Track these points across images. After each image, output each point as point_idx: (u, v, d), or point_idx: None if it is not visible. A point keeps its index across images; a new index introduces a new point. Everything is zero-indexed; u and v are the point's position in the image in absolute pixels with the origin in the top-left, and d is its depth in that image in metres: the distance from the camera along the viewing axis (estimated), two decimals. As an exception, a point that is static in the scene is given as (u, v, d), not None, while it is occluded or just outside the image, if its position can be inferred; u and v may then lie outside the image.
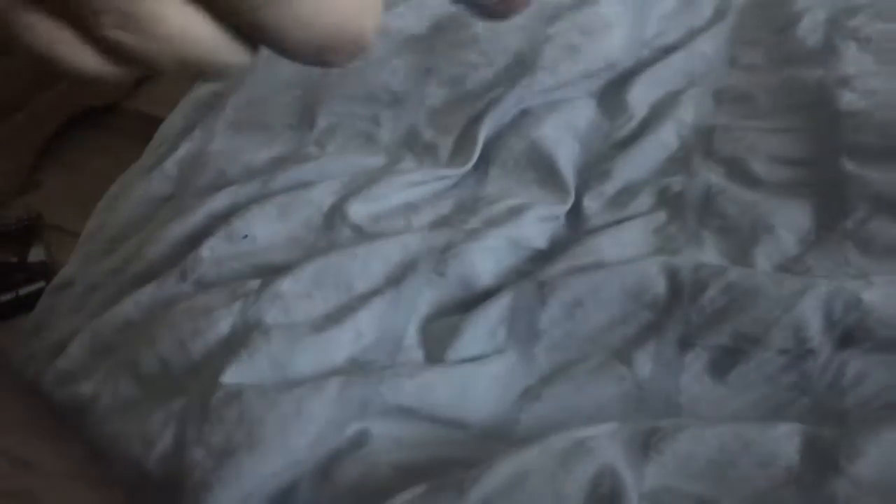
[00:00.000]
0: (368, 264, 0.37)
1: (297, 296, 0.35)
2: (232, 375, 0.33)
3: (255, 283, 0.36)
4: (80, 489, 0.33)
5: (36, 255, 1.02)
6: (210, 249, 0.37)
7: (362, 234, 0.40)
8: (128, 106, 1.25)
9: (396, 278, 0.37)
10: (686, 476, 0.29)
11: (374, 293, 0.37)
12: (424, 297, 0.36)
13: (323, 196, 0.41)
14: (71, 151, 1.20)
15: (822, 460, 0.28)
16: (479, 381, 0.34)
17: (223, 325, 0.34)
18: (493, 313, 0.35)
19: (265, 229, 0.39)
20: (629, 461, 0.30)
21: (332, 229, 0.40)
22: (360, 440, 0.32)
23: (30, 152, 1.15)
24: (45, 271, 1.00)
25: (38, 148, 1.17)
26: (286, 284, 0.36)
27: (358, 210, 0.41)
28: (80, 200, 0.62)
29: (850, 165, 0.40)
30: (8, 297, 0.98)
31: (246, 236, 0.37)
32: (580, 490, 0.29)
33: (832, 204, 0.39)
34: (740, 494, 0.29)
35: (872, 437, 0.28)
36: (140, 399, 0.34)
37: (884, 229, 0.37)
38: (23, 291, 0.97)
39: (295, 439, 0.31)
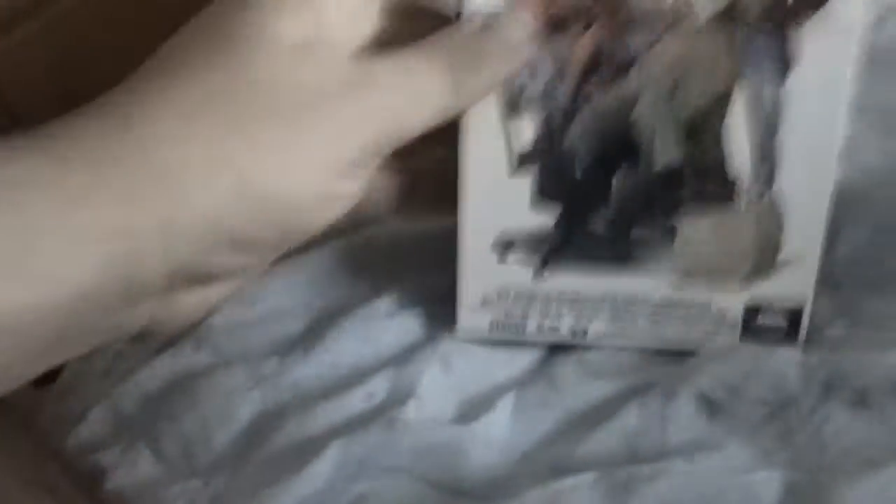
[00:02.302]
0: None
1: (312, 378, 0.37)
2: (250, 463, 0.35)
3: (273, 365, 0.38)
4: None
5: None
6: (222, 316, 0.38)
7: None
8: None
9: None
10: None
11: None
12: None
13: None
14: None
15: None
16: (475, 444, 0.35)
17: (244, 412, 0.36)
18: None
19: (276, 294, 0.40)
20: None
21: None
22: (364, 499, 0.33)
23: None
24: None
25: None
26: (301, 371, 0.37)
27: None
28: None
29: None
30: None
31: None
32: None
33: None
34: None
35: (849, 485, 0.30)
36: (159, 478, 0.35)
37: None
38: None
39: (294, 501, 0.33)
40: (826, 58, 0.33)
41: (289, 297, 0.41)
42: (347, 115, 0.28)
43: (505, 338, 0.39)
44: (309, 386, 0.37)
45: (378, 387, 0.37)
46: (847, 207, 0.37)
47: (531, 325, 0.38)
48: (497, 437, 0.35)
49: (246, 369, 0.38)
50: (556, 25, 0.34)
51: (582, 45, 0.34)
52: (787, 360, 0.36)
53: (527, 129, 0.35)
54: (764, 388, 0.34)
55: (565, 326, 0.38)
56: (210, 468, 0.35)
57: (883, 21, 0.45)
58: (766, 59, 0.34)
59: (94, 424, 0.37)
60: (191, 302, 0.30)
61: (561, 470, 0.32)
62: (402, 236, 0.43)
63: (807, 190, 0.35)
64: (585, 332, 0.38)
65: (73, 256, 0.25)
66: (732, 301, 0.37)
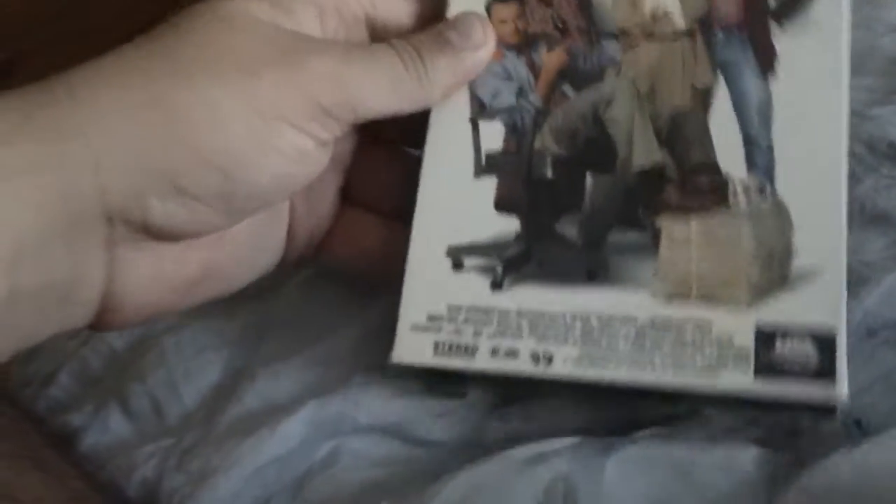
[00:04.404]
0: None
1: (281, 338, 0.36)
2: (224, 422, 0.34)
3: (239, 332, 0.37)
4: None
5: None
6: None
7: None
8: None
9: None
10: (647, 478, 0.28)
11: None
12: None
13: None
14: None
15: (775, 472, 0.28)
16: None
17: (212, 371, 0.35)
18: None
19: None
20: (587, 466, 0.29)
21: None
22: (331, 459, 0.32)
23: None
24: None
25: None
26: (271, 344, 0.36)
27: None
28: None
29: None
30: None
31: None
32: (532, 500, 0.29)
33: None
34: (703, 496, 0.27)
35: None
36: (130, 436, 0.35)
37: None
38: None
39: (267, 459, 0.32)
40: (814, 57, 0.31)
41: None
42: (291, 75, 0.29)
43: (451, 365, 0.31)
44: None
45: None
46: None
47: (484, 349, 0.31)
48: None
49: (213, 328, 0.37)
50: (530, 39, 0.35)
51: (556, 54, 0.34)
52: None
53: (496, 131, 0.34)
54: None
55: (525, 351, 0.30)
56: (181, 426, 0.34)
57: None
58: (747, 58, 0.32)
59: (64, 385, 0.37)
60: (143, 282, 0.28)
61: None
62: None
63: (816, 191, 0.30)
64: (550, 360, 0.30)
65: (7, 194, 0.24)
66: (739, 322, 0.29)
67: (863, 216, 0.32)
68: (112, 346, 0.37)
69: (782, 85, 0.31)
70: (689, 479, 0.28)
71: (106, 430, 0.35)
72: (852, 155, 0.31)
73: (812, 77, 0.31)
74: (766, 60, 0.32)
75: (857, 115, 0.32)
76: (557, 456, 0.30)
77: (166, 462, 0.33)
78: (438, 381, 0.33)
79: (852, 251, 0.29)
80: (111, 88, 0.27)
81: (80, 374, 0.37)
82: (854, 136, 0.31)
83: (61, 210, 0.25)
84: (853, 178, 0.32)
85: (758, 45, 0.32)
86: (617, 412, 0.31)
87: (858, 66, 0.34)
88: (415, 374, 0.32)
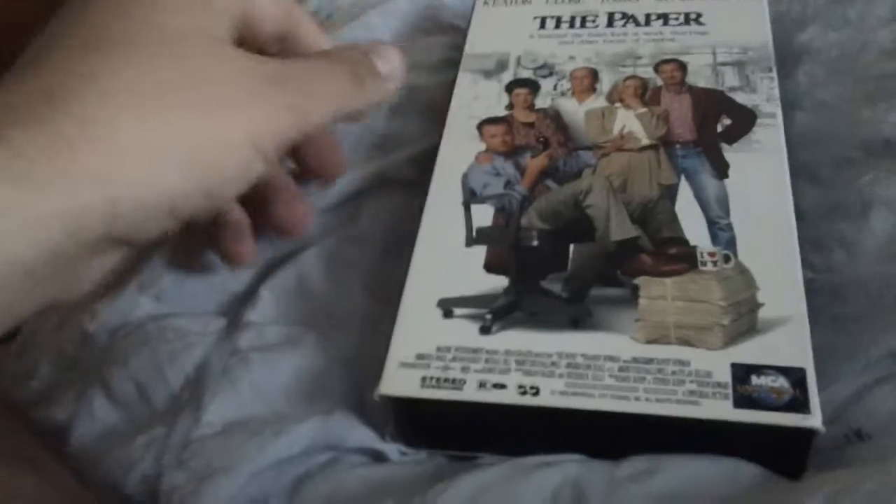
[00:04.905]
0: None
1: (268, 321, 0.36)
2: (216, 411, 0.32)
3: (222, 322, 0.36)
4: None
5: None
6: (169, 262, 0.37)
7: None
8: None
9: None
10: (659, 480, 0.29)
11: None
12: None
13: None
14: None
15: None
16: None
17: (197, 352, 0.34)
18: None
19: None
20: (597, 470, 0.29)
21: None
22: (331, 461, 0.32)
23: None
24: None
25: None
26: (254, 314, 0.36)
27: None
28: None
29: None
30: None
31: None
32: (539, 502, 0.28)
33: None
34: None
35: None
36: (118, 424, 0.33)
37: None
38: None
39: (270, 461, 0.31)
40: (761, 165, 0.37)
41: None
42: (264, 107, 0.29)
43: (439, 397, 0.31)
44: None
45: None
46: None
47: (471, 382, 0.31)
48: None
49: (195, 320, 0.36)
50: (516, 148, 0.40)
51: (539, 159, 0.40)
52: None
53: (486, 212, 0.37)
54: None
55: (513, 384, 0.31)
56: (170, 411, 0.33)
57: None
58: (704, 167, 0.38)
59: (44, 376, 0.36)
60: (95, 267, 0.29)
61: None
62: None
63: (774, 258, 0.34)
64: (537, 391, 0.31)
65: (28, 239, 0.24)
66: (716, 361, 0.31)
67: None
68: (84, 328, 0.36)
69: (736, 186, 0.36)
70: (699, 482, 0.28)
71: (92, 418, 0.33)
72: (849, 160, 0.35)
73: (761, 180, 0.36)
74: (720, 169, 0.37)
75: (848, 120, 0.37)
76: (566, 461, 0.29)
77: (164, 457, 0.32)
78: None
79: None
80: (120, 129, 0.26)
81: (57, 361, 0.36)
82: (849, 143, 0.35)
83: (63, 252, 0.25)
84: (853, 176, 0.36)
85: (712, 158, 0.38)
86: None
87: (850, 62, 0.38)
88: (403, 413, 0.32)
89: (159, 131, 0.27)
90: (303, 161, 0.38)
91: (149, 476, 0.31)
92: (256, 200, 0.37)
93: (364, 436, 0.33)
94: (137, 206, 0.26)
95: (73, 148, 0.25)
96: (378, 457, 0.32)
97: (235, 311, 0.38)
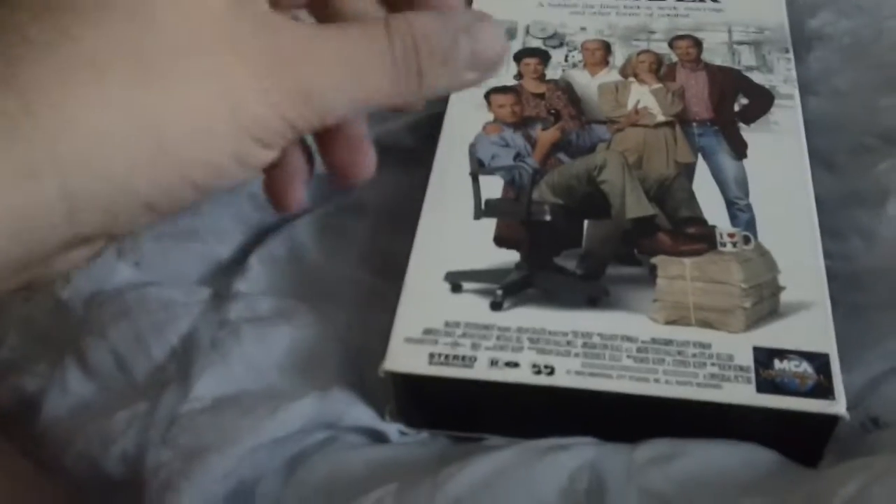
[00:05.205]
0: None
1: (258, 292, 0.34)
2: (205, 385, 0.30)
3: (207, 292, 0.34)
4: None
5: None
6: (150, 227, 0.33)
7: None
8: None
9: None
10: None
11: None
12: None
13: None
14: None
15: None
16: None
17: (183, 323, 0.32)
18: None
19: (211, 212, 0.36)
20: (615, 452, 0.28)
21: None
22: (329, 440, 0.30)
23: None
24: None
25: None
26: (244, 285, 0.34)
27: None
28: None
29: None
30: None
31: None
32: (556, 486, 0.27)
33: None
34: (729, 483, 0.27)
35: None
36: (94, 397, 0.31)
37: None
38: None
39: (265, 440, 0.29)
40: (779, 147, 0.36)
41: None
42: (258, 90, 0.24)
43: (448, 375, 0.30)
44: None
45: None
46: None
47: (482, 360, 0.30)
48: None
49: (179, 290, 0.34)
50: (526, 120, 0.38)
51: (550, 132, 0.38)
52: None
53: (495, 183, 0.36)
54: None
55: (526, 362, 0.30)
56: (152, 385, 0.31)
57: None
58: (721, 146, 0.36)
59: (14, 344, 0.33)
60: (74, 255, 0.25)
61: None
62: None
63: (795, 241, 0.32)
64: (552, 371, 0.29)
65: None
66: (738, 344, 0.30)
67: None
68: (58, 297, 0.33)
69: (755, 167, 0.35)
70: (719, 467, 0.27)
71: (65, 390, 0.31)
72: (866, 147, 0.34)
73: (780, 162, 0.35)
74: (738, 149, 0.36)
75: (864, 108, 0.36)
76: (581, 444, 0.28)
77: (147, 433, 0.29)
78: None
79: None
80: (92, 111, 0.22)
81: (27, 330, 0.33)
82: (865, 130, 0.34)
83: (26, 247, 0.21)
84: (870, 163, 0.34)
85: (730, 138, 0.36)
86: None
87: (864, 51, 0.38)
88: (407, 391, 0.30)
89: (122, 111, 0.22)
90: (322, 153, 0.30)
91: (129, 453, 0.29)
92: (319, 140, 0.30)
93: (363, 414, 0.31)
94: (100, 201, 0.22)
95: (17, 130, 0.20)
96: (376, 436, 0.30)
97: (220, 280, 0.35)
